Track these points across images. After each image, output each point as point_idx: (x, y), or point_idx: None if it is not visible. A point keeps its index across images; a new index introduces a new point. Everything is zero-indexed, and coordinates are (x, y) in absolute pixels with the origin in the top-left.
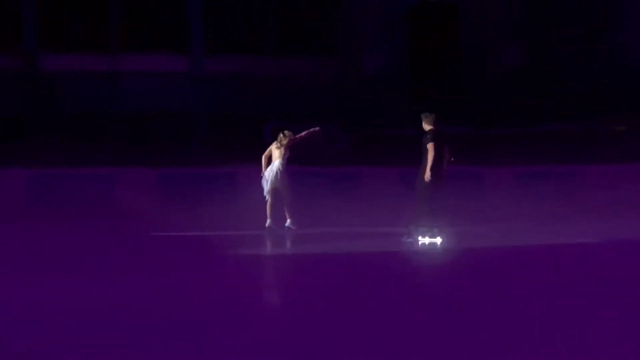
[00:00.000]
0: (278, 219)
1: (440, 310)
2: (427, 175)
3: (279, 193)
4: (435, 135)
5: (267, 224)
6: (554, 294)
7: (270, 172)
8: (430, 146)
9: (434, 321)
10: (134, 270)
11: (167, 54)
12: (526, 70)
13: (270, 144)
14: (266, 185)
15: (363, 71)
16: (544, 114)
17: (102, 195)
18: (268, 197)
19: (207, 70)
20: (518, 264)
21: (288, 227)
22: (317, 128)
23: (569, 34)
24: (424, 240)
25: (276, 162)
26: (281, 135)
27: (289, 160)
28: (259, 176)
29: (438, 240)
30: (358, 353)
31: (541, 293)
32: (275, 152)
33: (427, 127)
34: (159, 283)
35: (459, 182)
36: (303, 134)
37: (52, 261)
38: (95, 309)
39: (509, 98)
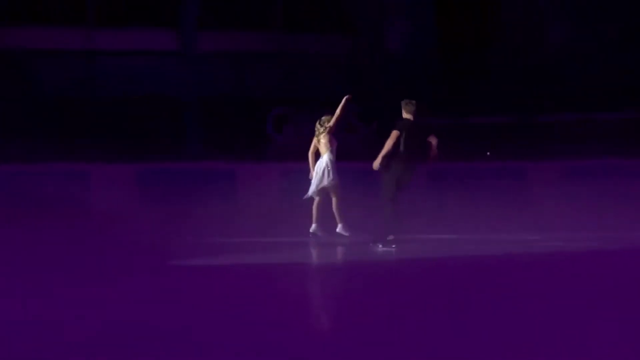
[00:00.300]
0: (322, 223)
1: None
2: (376, 163)
3: (327, 193)
4: (405, 125)
5: (312, 229)
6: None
7: (319, 168)
8: (393, 134)
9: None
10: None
11: (153, 30)
12: (574, 51)
13: (274, 133)
14: (314, 182)
15: (385, 50)
16: (598, 99)
17: (72, 194)
18: (315, 198)
19: (201, 48)
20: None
21: (339, 234)
22: (348, 96)
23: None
24: (378, 247)
25: (325, 156)
26: (318, 124)
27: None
28: (266, 174)
29: (392, 249)
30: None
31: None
32: (321, 145)
33: (406, 116)
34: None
35: (498, 181)
36: (338, 110)
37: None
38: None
39: (556, 81)
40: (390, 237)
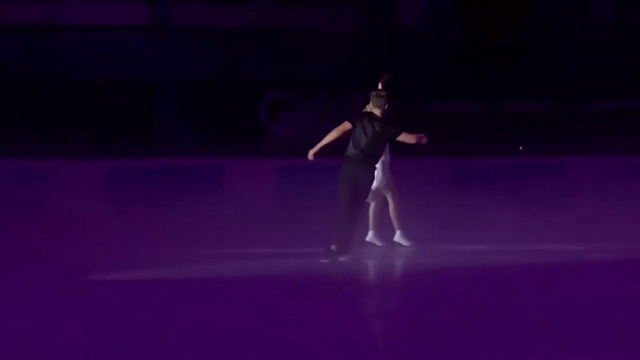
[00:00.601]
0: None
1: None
2: (310, 152)
3: (382, 194)
4: (360, 118)
5: (368, 237)
6: None
7: (386, 163)
8: (342, 124)
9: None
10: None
11: (123, 1)
12: (625, 31)
13: (269, 122)
14: (391, 175)
15: (398, 25)
16: None
17: (22, 197)
18: (370, 200)
19: (181, 23)
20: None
21: (398, 243)
22: (388, 74)
23: None
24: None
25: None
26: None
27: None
28: (260, 172)
29: (342, 258)
30: None
31: None
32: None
33: (375, 110)
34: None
35: (533, 180)
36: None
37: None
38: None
39: (604, 64)
40: (333, 247)
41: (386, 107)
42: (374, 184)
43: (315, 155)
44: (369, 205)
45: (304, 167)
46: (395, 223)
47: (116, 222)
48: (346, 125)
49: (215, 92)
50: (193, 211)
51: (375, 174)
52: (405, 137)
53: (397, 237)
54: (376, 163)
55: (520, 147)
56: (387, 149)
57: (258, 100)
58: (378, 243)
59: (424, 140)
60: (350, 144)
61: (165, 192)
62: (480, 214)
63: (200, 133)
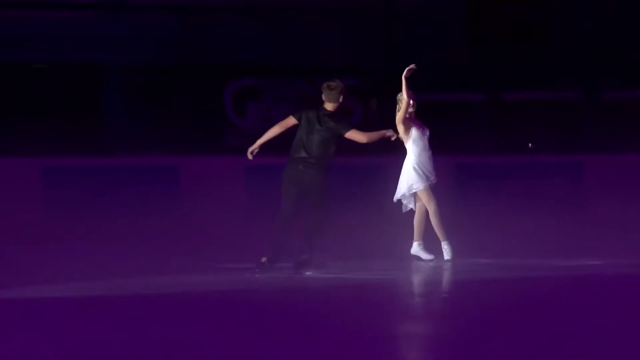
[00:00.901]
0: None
1: None
2: (249, 152)
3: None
4: (306, 114)
5: (413, 249)
6: None
7: (419, 163)
8: (288, 119)
9: None
10: None
11: None
12: None
13: (238, 110)
14: (420, 180)
15: (393, 3)
16: None
17: None
18: (411, 207)
19: None
20: None
21: (416, 256)
22: (412, 66)
23: None
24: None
25: (427, 140)
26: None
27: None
28: (223, 172)
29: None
30: None
31: None
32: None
33: (327, 105)
34: None
35: (547, 181)
36: (403, 92)
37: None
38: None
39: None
40: (264, 259)
41: (340, 100)
42: (418, 185)
43: (253, 153)
44: (418, 213)
45: (275, 166)
46: (440, 233)
47: (50, 232)
48: (290, 121)
49: (171, 78)
50: (140, 218)
51: (407, 176)
52: (354, 135)
53: (447, 252)
54: (325, 164)
55: (530, 145)
56: (424, 146)
57: (221, 88)
58: (424, 256)
59: (392, 135)
60: (294, 142)
61: (109, 196)
62: (484, 222)
63: (154, 126)
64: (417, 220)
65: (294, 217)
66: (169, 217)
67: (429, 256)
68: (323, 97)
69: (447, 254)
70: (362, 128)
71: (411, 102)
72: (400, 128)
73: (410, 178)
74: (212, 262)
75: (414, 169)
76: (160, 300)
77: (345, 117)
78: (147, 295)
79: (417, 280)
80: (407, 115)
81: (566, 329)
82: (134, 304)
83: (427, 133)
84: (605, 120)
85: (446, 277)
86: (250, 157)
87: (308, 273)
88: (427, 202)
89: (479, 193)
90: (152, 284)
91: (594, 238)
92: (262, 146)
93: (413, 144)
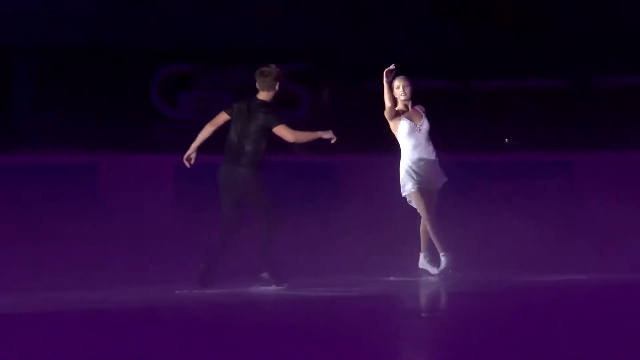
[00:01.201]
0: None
1: None
2: (184, 159)
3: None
4: (239, 107)
5: (420, 262)
6: None
7: (410, 163)
8: (220, 116)
9: None
10: None
11: None
12: None
13: (169, 101)
14: (410, 181)
15: None
16: None
17: None
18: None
19: None
20: None
21: (423, 269)
22: (391, 67)
23: None
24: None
25: (423, 136)
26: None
27: None
28: (149, 172)
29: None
30: None
31: None
32: (414, 120)
33: (261, 94)
34: None
35: (530, 183)
36: (385, 87)
37: None
38: None
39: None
40: (195, 273)
41: (277, 88)
42: (408, 187)
43: (189, 160)
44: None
45: (211, 165)
46: (438, 244)
47: None
48: (222, 117)
49: (87, 63)
50: (55, 224)
51: (400, 177)
52: (282, 132)
53: (421, 262)
54: (257, 161)
55: (506, 140)
56: (418, 143)
57: (150, 75)
58: (431, 270)
59: (330, 138)
60: (226, 140)
61: (17, 199)
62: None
63: (71, 119)
64: (421, 228)
65: (235, 225)
66: (88, 224)
67: (436, 270)
68: (257, 85)
69: (440, 265)
70: (310, 121)
71: (405, 91)
72: (390, 124)
73: (402, 179)
74: (136, 274)
75: (405, 169)
76: (102, 318)
77: (286, 108)
78: (84, 312)
79: (388, 297)
80: (391, 104)
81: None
82: (59, 323)
83: (424, 127)
84: (600, 112)
85: (413, 292)
86: (188, 165)
87: (270, 288)
88: (418, 208)
89: (454, 196)
90: (81, 299)
91: (582, 251)
92: (199, 149)
93: (403, 140)
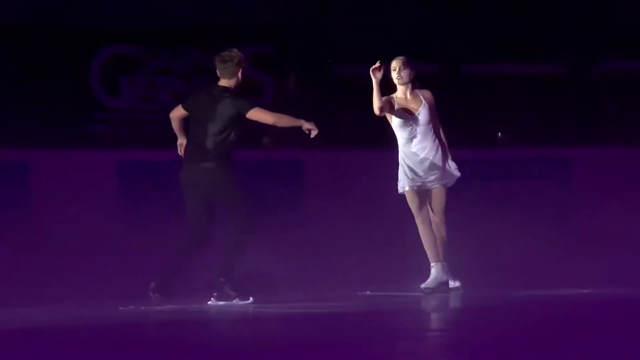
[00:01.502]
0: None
1: None
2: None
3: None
4: (198, 98)
5: (438, 275)
6: None
7: (404, 157)
8: (176, 110)
9: None
10: None
11: None
12: None
13: (110, 87)
14: (403, 179)
15: None
16: None
17: None
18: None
19: None
20: None
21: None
22: (378, 64)
23: None
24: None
25: (421, 127)
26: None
27: None
28: (86, 170)
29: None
30: None
31: None
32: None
33: (223, 81)
34: None
35: (522, 182)
36: (375, 88)
37: None
38: None
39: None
40: (152, 285)
41: (239, 74)
42: (402, 185)
43: (182, 145)
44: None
45: (159, 163)
46: (441, 251)
47: None
48: (179, 112)
49: (22, 47)
50: None
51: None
52: (258, 115)
53: (440, 274)
54: (225, 156)
55: (499, 134)
56: (412, 135)
57: (88, 58)
58: (452, 284)
59: (311, 129)
60: (188, 139)
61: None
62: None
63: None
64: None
65: (205, 236)
66: (14, 230)
67: (452, 283)
68: (217, 72)
69: (429, 277)
70: (275, 107)
71: (401, 74)
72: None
73: (398, 176)
74: (71, 287)
75: (400, 164)
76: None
77: (249, 95)
78: (8, 333)
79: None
80: (381, 105)
81: None
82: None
83: (421, 117)
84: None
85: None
86: (180, 152)
87: (225, 302)
88: (411, 209)
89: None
90: (5, 318)
91: (578, 262)
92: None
93: (397, 132)
